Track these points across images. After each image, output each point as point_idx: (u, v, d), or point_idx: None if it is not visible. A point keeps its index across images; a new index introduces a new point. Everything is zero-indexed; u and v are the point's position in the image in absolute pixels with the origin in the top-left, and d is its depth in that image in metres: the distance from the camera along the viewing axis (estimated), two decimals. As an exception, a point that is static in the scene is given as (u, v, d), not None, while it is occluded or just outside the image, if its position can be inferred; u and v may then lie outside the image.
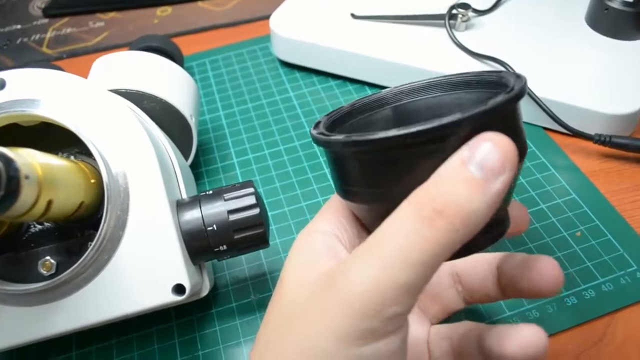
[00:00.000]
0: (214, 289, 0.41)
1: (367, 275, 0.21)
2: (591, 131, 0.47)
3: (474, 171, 0.20)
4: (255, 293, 0.40)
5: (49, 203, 0.26)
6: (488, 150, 0.20)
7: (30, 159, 0.25)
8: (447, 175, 0.21)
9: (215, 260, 0.40)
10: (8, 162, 0.23)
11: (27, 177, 0.24)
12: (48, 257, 0.33)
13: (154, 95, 0.41)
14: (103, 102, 0.33)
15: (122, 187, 0.32)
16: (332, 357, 0.21)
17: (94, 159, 0.32)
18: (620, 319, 0.37)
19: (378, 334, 0.21)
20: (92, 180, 0.32)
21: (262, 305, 0.40)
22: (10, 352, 0.39)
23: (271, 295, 0.39)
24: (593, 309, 0.38)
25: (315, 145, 0.50)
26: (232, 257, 0.35)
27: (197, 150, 0.47)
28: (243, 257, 0.42)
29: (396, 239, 0.21)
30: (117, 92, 0.40)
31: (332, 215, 0.27)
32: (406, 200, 0.21)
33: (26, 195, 0.24)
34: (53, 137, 0.34)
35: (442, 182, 0.21)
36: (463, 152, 0.21)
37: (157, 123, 0.40)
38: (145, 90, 0.41)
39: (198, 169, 0.49)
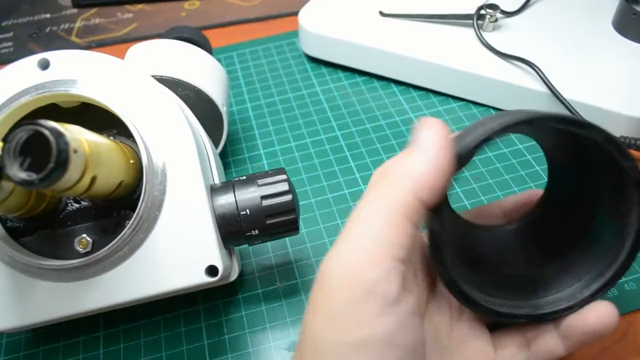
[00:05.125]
0: (240, 275, 0.41)
1: None
2: (617, 133, 0.47)
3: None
4: (282, 281, 0.41)
5: (93, 179, 0.27)
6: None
7: (78, 135, 0.26)
8: None
9: (242, 247, 0.41)
10: (59, 135, 0.24)
11: (75, 152, 0.24)
12: (84, 235, 0.33)
13: (189, 83, 0.42)
14: (142, 85, 0.34)
15: (160, 168, 0.32)
16: None
17: (133, 141, 0.33)
18: (642, 320, 0.38)
19: None
20: (132, 161, 0.32)
21: (287, 292, 0.40)
22: (38, 332, 0.40)
23: (297, 283, 0.40)
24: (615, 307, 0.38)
25: (341, 139, 0.51)
26: (263, 242, 0.36)
27: (225, 141, 0.47)
28: (269, 245, 0.43)
29: None
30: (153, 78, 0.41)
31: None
32: None
33: (74, 169, 0.25)
34: (90, 119, 0.35)
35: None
36: None
37: (190, 110, 0.41)
38: (180, 78, 0.42)
39: (226, 159, 0.50)
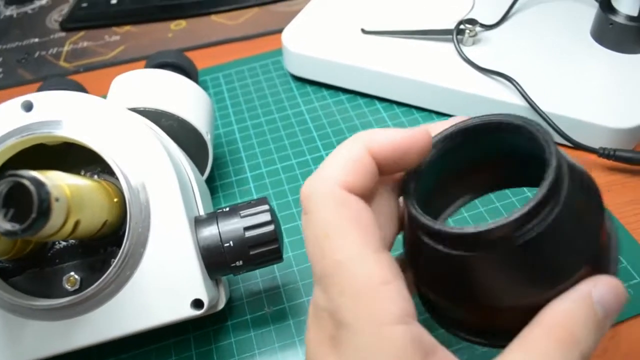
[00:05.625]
0: (229, 301, 0.42)
1: None
2: (596, 145, 0.48)
3: (599, 311, 0.23)
4: (269, 305, 0.42)
5: (77, 223, 0.28)
6: (610, 292, 0.23)
7: (59, 182, 0.26)
8: (580, 309, 0.23)
9: (232, 275, 0.42)
10: (39, 185, 0.24)
11: (57, 200, 0.25)
12: (72, 273, 0.34)
13: (172, 114, 0.43)
14: (124, 123, 0.34)
15: (143, 205, 0.33)
16: None
17: (116, 178, 0.33)
18: (624, 331, 0.38)
19: None
20: (115, 199, 0.33)
21: (276, 317, 0.41)
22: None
23: (284, 307, 0.41)
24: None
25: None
26: (248, 272, 0.36)
27: (212, 165, 0.48)
28: (257, 270, 0.44)
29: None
30: (136, 110, 0.42)
31: (399, 286, 0.23)
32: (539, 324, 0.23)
33: (56, 216, 0.25)
34: (77, 156, 0.36)
35: (575, 315, 0.23)
36: (591, 288, 0.23)
37: (174, 140, 0.41)
38: (164, 109, 0.42)
39: (213, 183, 0.51)
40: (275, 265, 0.44)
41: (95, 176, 0.36)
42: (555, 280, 0.24)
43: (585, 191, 0.25)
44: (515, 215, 0.23)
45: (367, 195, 0.26)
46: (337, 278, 0.23)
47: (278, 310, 0.41)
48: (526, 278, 0.24)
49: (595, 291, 0.23)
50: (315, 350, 0.24)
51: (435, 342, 0.23)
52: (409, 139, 0.26)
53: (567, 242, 0.24)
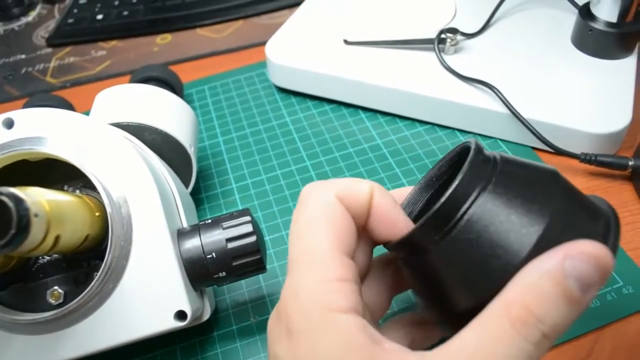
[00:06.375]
0: (215, 312, 0.42)
1: None
2: (577, 150, 0.49)
3: (573, 286, 0.21)
4: (255, 315, 0.42)
5: (57, 238, 0.28)
6: (587, 262, 0.21)
7: (38, 198, 0.27)
8: (545, 284, 0.21)
9: (216, 286, 0.42)
10: (18, 201, 0.25)
11: (36, 215, 0.25)
12: (56, 287, 0.34)
13: (155, 127, 0.43)
14: (104, 138, 0.35)
15: (125, 218, 0.33)
16: None
17: (98, 193, 0.34)
18: (608, 335, 0.38)
19: None
20: (97, 214, 0.33)
21: (261, 327, 0.41)
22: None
23: (269, 317, 0.41)
24: (580, 325, 0.39)
25: (310, 170, 0.52)
26: (232, 282, 0.37)
27: (198, 177, 0.48)
28: (243, 281, 0.44)
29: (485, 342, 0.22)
30: (119, 125, 0.42)
31: (353, 287, 0.25)
32: (499, 305, 0.22)
33: (36, 232, 0.25)
34: (59, 171, 0.36)
35: (539, 290, 0.21)
36: (562, 259, 0.21)
37: (158, 154, 0.42)
38: (146, 123, 0.43)
39: (198, 195, 0.51)
40: (260, 276, 0.44)
41: (78, 191, 0.36)
42: (493, 276, 0.23)
43: (528, 186, 0.25)
44: (426, 217, 0.25)
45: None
46: (303, 261, 0.25)
47: (264, 320, 0.41)
48: (467, 274, 0.24)
49: (568, 263, 0.21)
50: (273, 343, 0.26)
51: (381, 336, 0.24)
52: (395, 219, 0.27)
53: (493, 241, 0.24)
